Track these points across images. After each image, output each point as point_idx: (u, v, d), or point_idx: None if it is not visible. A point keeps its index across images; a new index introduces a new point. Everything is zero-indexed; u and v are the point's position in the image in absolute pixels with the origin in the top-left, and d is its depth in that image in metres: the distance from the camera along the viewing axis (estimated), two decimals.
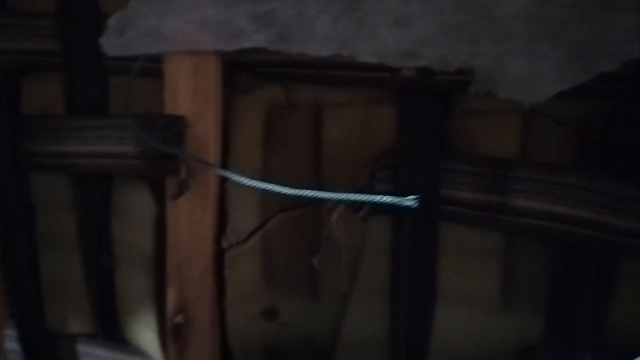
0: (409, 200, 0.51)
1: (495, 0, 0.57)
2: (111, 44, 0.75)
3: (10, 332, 1.00)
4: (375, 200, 0.53)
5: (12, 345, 1.00)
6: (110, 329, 0.96)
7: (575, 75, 0.55)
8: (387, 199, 0.52)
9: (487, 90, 0.60)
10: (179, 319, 0.81)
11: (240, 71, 0.78)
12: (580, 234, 0.68)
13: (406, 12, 0.60)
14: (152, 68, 0.77)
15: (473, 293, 0.75)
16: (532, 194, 0.69)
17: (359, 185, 0.73)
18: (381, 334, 0.79)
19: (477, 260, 0.74)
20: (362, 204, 0.73)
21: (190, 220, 0.78)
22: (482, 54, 0.58)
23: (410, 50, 0.60)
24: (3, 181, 0.91)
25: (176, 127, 0.75)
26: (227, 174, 0.65)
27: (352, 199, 0.54)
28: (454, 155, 0.73)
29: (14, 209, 0.94)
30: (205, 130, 0.75)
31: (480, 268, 0.74)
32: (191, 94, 0.75)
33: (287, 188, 0.59)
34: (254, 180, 0.63)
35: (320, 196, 0.56)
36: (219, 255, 0.80)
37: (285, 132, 0.78)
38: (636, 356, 0.53)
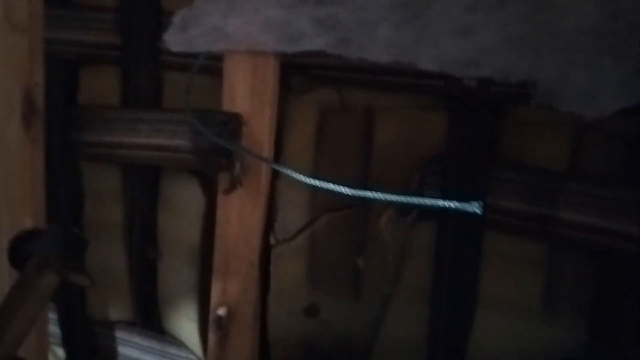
0: (473, 206, 0.51)
1: (561, 13, 0.57)
2: (174, 40, 0.77)
3: (52, 316, 1.02)
4: (438, 204, 0.54)
5: (52, 328, 1.03)
6: (150, 318, 0.98)
7: (639, 92, 0.55)
8: (450, 203, 0.53)
9: (548, 104, 0.61)
10: (222, 311, 0.83)
11: (296, 73, 0.80)
12: (627, 249, 0.68)
13: (470, 21, 0.61)
14: (210, 66, 0.79)
15: (515, 301, 0.75)
16: (580, 207, 0.70)
17: (408, 189, 0.74)
18: (420, 338, 0.80)
19: (521, 269, 0.75)
20: (411, 208, 0.74)
21: (240, 215, 0.80)
22: (545, 67, 0.59)
23: (473, 59, 0.62)
24: (55, 169, 0.94)
25: (232, 124, 0.76)
26: (285, 169, 0.67)
27: (411, 202, 0.55)
28: (503, 164, 0.74)
29: (64, 197, 0.97)
30: (260, 129, 0.77)
31: (523, 277, 0.75)
32: (249, 93, 0.77)
33: (344, 187, 0.60)
34: (310, 178, 0.64)
35: (377, 197, 0.58)
36: (266, 252, 0.82)
37: (336, 134, 0.79)
38: None
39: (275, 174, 0.80)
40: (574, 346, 0.73)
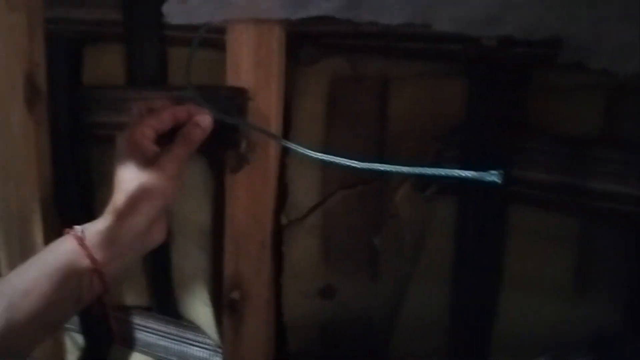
0: (492, 175, 0.47)
1: None
2: (174, 12, 0.73)
3: None
4: (454, 174, 0.49)
5: None
6: (166, 303, 0.96)
7: None
8: (467, 173, 0.48)
9: (578, 61, 0.55)
10: (235, 294, 0.80)
11: (304, 43, 0.76)
12: None
13: None
14: (213, 39, 0.75)
15: (544, 279, 0.71)
16: (613, 176, 0.64)
17: (426, 162, 0.70)
18: (442, 317, 0.76)
19: (549, 245, 0.70)
20: (429, 182, 0.70)
21: (249, 195, 0.76)
22: (574, 21, 0.53)
23: (493, 17, 0.56)
24: (61, 151, 0.91)
25: (238, 99, 0.73)
26: (293, 145, 0.63)
27: (428, 173, 0.51)
28: (528, 133, 0.68)
29: (72, 180, 0.94)
30: (267, 103, 0.73)
31: (552, 253, 0.70)
32: (254, 66, 0.72)
33: (356, 161, 0.56)
34: (319, 153, 0.60)
35: (392, 170, 0.53)
36: (278, 231, 0.78)
37: (349, 105, 0.75)
38: None
39: (285, 151, 0.76)
40: (607, 326, 0.68)
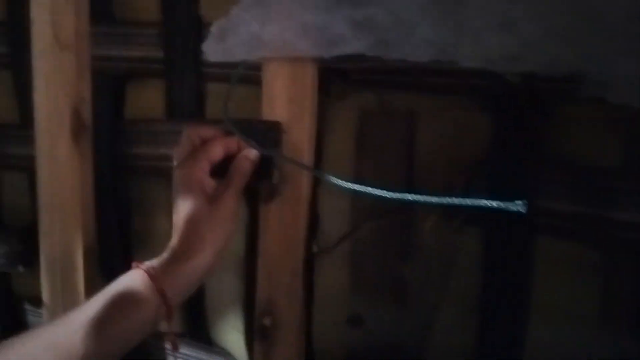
0: (517, 205, 0.49)
1: (607, 1, 0.55)
2: (213, 50, 0.78)
3: None
4: (481, 204, 0.51)
5: None
6: (199, 329, 0.99)
7: None
8: (492, 203, 0.50)
9: (597, 96, 0.58)
10: (267, 321, 0.82)
11: (334, 78, 0.79)
12: None
13: (511, 14, 0.59)
14: (249, 75, 0.79)
15: (570, 309, 0.71)
16: (636, 206, 0.66)
17: (453, 193, 0.72)
18: (469, 349, 0.77)
19: (575, 275, 0.71)
20: (457, 213, 0.72)
21: (281, 224, 0.79)
22: (593, 57, 0.56)
23: (515, 54, 0.59)
24: (103, 182, 0.96)
25: (273, 132, 0.76)
26: (325, 175, 0.66)
27: (455, 203, 0.53)
28: (552, 164, 0.70)
29: (113, 210, 0.99)
30: (300, 136, 0.76)
31: (578, 283, 0.71)
32: (288, 101, 0.76)
33: (386, 191, 0.58)
34: (353, 184, 0.63)
35: (420, 200, 0.56)
36: (309, 260, 0.81)
37: (377, 139, 0.78)
38: None
39: (317, 182, 0.79)
40: (632, 356, 0.69)
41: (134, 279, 0.62)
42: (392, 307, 0.79)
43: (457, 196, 0.56)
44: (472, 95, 0.73)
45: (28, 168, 0.99)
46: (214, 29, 0.77)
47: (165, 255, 0.65)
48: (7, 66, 1.05)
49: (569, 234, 0.70)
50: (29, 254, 1.08)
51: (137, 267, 0.63)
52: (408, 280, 0.78)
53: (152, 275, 0.61)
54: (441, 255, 0.75)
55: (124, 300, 0.60)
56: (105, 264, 0.98)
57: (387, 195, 0.56)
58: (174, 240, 0.65)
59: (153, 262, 0.64)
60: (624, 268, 0.69)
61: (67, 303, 0.93)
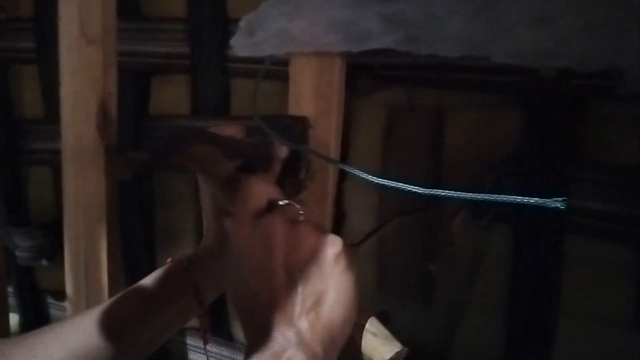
0: (556, 202, 0.48)
1: None
2: (241, 45, 0.77)
3: None
4: (517, 201, 0.50)
5: None
6: (220, 325, 0.98)
7: None
8: (531, 200, 0.49)
9: (635, 92, 0.56)
10: None
11: (362, 74, 0.79)
12: None
13: (547, 9, 0.57)
14: (275, 71, 0.79)
15: (601, 311, 0.70)
16: None
17: (484, 191, 0.71)
18: (497, 349, 0.76)
19: (607, 276, 0.70)
20: (485, 210, 0.71)
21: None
22: (631, 53, 0.54)
23: (550, 50, 0.58)
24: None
25: (299, 127, 0.76)
26: (352, 169, 0.65)
27: (488, 199, 0.52)
28: (585, 163, 0.69)
29: (136, 203, 0.99)
30: (326, 132, 0.76)
31: (609, 284, 0.70)
32: (314, 96, 0.76)
33: (418, 187, 0.57)
34: (382, 179, 0.62)
35: (453, 195, 0.54)
36: None
37: (405, 135, 0.77)
38: None
39: (343, 178, 0.78)
40: None
41: (168, 272, 0.61)
42: (419, 305, 0.78)
43: (490, 192, 0.55)
44: (503, 92, 0.72)
45: (53, 163, 0.99)
46: (242, 24, 0.76)
47: (197, 251, 0.64)
48: (34, 61, 1.06)
49: (601, 233, 0.68)
50: (53, 248, 1.09)
51: (171, 261, 0.63)
52: (435, 278, 0.77)
53: (186, 268, 0.61)
54: (469, 253, 0.74)
55: (158, 295, 0.59)
56: (129, 258, 0.98)
57: (419, 191, 0.55)
58: (206, 238, 0.64)
59: (186, 257, 0.63)
60: None
61: (90, 297, 0.94)
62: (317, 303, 0.42)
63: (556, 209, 0.45)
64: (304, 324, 0.41)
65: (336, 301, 0.43)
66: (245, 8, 0.77)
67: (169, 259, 0.61)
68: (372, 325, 0.49)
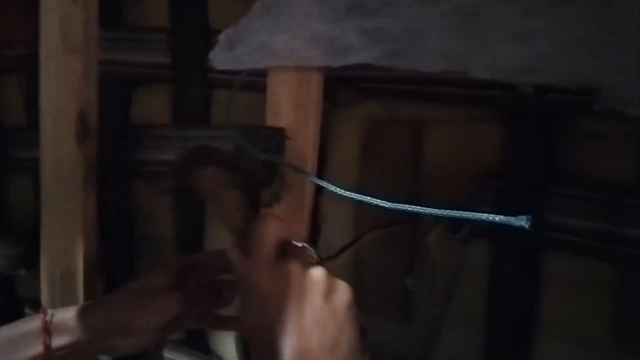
0: (521, 220, 0.47)
1: (624, 11, 0.53)
2: (221, 58, 0.77)
3: None
4: (483, 218, 0.50)
5: None
6: (196, 337, 0.97)
7: None
8: (496, 217, 0.49)
9: (613, 109, 0.56)
10: None
11: (340, 86, 0.79)
12: None
13: (526, 26, 0.57)
14: (254, 82, 0.78)
15: (580, 328, 0.70)
16: None
17: (458, 205, 0.71)
18: None
19: (586, 293, 0.69)
20: (462, 225, 0.71)
21: None
22: (609, 70, 0.54)
23: (529, 66, 0.58)
24: (108, 186, 0.95)
25: (276, 138, 0.75)
26: (323, 183, 0.64)
27: (457, 216, 0.51)
28: (563, 179, 0.69)
29: (116, 214, 0.98)
30: (304, 143, 0.75)
31: (588, 301, 0.69)
32: (292, 107, 0.75)
33: (389, 202, 0.57)
34: (353, 193, 0.62)
35: (423, 211, 0.54)
36: None
37: (383, 148, 0.77)
38: None
39: (320, 190, 0.78)
40: None
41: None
42: (395, 320, 0.78)
43: (459, 209, 0.54)
44: (482, 106, 0.72)
45: (33, 171, 0.98)
46: (222, 37, 0.76)
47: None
48: (16, 69, 1.05)
49: (579, 249, 0.68)
50: (31, 257, 1.07)
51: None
52: (411, 293, 0.76)
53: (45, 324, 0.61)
54: (446, 268, 0.74)
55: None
56: (109, 268, 0.97)
57: (387, 206, 0.55)
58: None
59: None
60: (636, 285, 0.67)
61: (65, 306, 0.92)
62: (335, 348, 0.45)
63: (520, 227, 0.45)
64: None
65: (350, 349, 0.46)
66: (227, 19, 0.77)
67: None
68: None
